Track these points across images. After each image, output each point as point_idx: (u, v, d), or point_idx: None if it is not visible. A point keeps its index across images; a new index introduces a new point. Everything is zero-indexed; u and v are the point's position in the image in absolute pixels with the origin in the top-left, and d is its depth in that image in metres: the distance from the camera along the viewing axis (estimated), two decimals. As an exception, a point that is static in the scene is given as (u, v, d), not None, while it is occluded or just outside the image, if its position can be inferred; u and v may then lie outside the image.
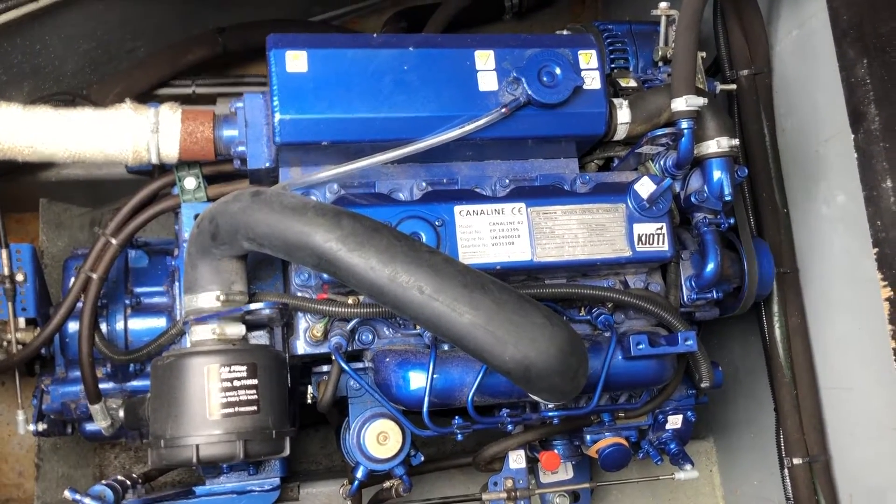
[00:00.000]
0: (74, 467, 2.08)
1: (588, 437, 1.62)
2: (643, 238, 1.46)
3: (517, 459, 1.63)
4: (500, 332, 1.17)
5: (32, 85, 1.93)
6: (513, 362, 1.18)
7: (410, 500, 1.74)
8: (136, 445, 2.14)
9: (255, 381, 1.30)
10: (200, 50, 2.13)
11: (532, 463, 1.68)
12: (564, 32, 1.77)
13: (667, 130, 1.46)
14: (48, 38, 1.83)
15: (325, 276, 1.37)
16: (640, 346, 1.40)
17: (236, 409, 1.28)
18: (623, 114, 1.51)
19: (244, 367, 1.29)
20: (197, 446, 1.25)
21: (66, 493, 1.45)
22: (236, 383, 1.28)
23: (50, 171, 2.02)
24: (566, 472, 1.84)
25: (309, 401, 1.57)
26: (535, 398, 1.30)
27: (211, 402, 1.27)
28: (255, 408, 1.29)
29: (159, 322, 1.71)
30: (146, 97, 2.07)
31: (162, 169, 1.64)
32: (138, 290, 1.73)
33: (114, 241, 1.56)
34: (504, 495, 1.59)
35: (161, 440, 1.27)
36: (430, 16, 2.26)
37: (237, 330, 1.36)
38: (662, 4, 1.69)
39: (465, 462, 1.68)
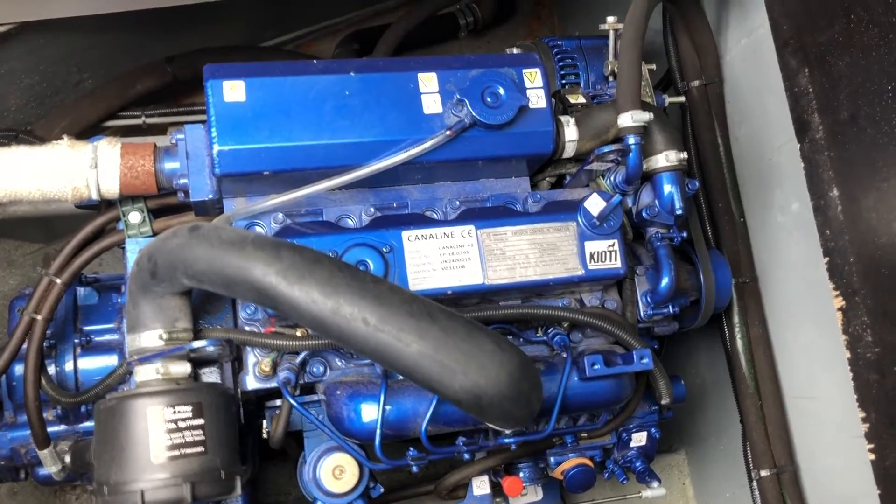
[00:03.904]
0: (33, 512, 2.02)
1: (552, 458, 1.59)
2: (595, 256, 1.45)
3: (481, 486, 1.60)
4: (448, 360, 1.14)
5: (-25, 122, 1.89)
6: (463, 391, 1.15)
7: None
8: (90, 489, 2.09)
9: (201, 421, 1.26)
10: (149, 80, 2.09)
11: (497, 487, 1.65)
12: (515, 50, 1.76)
13: (614, 147, 1.45)
14: (-12, 75, 1.80)
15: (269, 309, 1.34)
16: (596, 367, 1.38)
17: (182, 451, 1.23)
18: (570, 131, 1.49)
19: (189, 407, 1.25)
20: (142, 492, 1.20)
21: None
22: (181, 424, 1.24)
23: (-4, 210, 1.97)
24: (536, 493, 1.81)
25: (265, 436, 1.53)
26: (490, 426, 1.27)
27: (156, 444, 1.22)
28: (202, 448, 1.25)
29: (111, 360, 1.67)
30: (95, 130, 2.03)
31: (108, 203, 1.61)
32: (88, 328, 1.69)
33: (58, 281, 1.52)
34: (468, 523, 1.56)
35: (104, 486, 1.23)
36: (380, 36, 2.25)
37: (182, 369, 1.32)
38: (610, 19, 1.69)
39: (430, 490, 1.64)
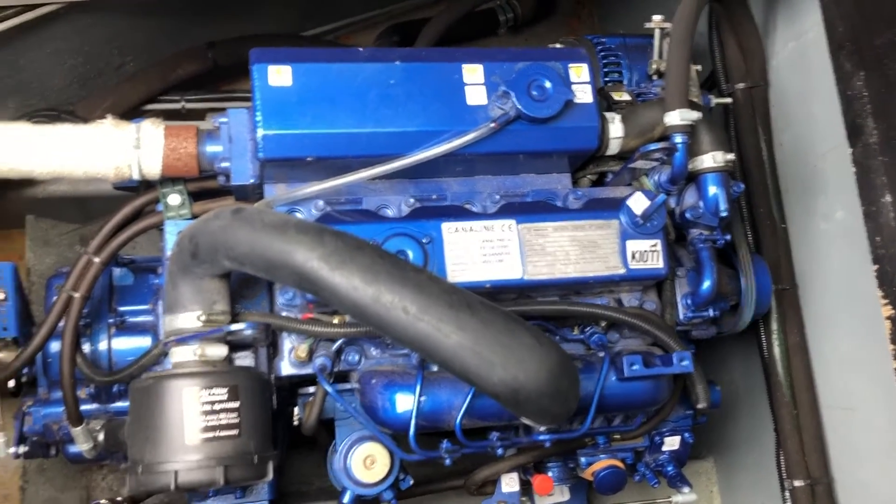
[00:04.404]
0: (61, 490, 2.03)
1: (583, 459, 1.57)
2: (637, 255, 1.43)
3: (510, 483, 1.58)
4: (487, 353, 1.13)
5: (18, 101, 1.90)
6: (501, 385, 1.14)
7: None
8: (123, 467, 2.10)
9: (236, 405, 1.26)
10: (190, 65, 2.10)
11: (526, 486, 1.63)
12: (557, 46, 1.74)
13: (660, 145, 1.43)
14: (33, 54, 1.81)
15: (309, 295, 1.33)
16: (634, 367, 1.36)
17: (216, 433, 1.23)
18: (615, 128, 1.47)
19: (225, 390, 1.25)
20: (175, 472, 1.21)
21: (47, 519, 1.41)
22: (217, 406, 1.24)
23: (36, 188, 1.99)
24: (562, 494, 1.79)
25: (296, 423, 1.52)
26: (526, 421, 1.26)
27: (190, 426, 1.23)
28: (236, 432, 1.25)
29: (144, 342, 1.67)
30: (135, 113, 2.04)
31: (147, 185, 1.62)
32: (123, 308, 1.69)
33: (96, 260, 1.52)
34: (496, 520, 1.55)
35: (139, 465, 1.23)
36: (421, 30, 2.24)
37: (219, 351, 1.32)
38: (656, 17, 1.66)
39: (458, 485, 1.63)
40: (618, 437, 1.56)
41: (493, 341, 1.14)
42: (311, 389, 1.48)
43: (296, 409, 1.52)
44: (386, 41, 2.27)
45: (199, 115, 2.16)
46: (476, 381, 1.15)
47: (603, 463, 1.57)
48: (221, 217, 1.25)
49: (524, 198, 1.49)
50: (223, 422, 1.24)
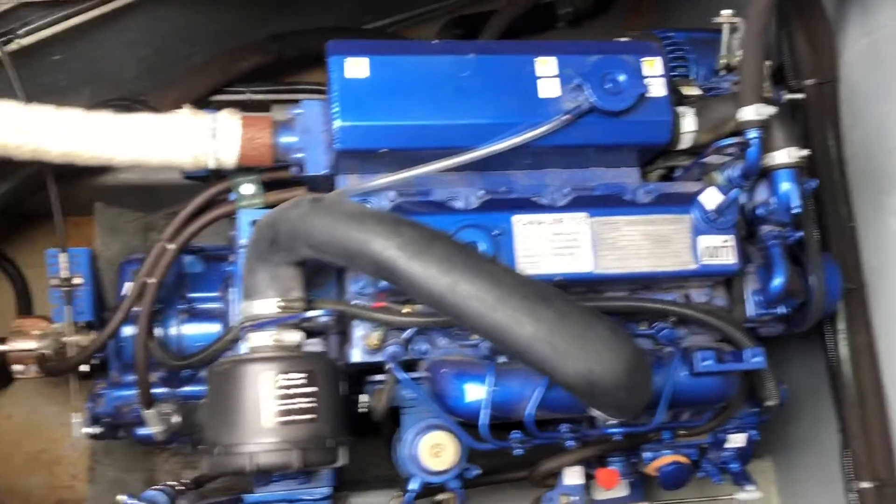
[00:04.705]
0: (126, 471, 2.09)
1: (647, 454, 1.57)
2: (709, 250, 1.42)
3: (573, 476, 1.58)
4: (563, 344, 1.14)
5: (92, 90, 1.95)
6: (577, 376, 1.15)
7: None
8: (187, 451, 2.15)
9: (313, 389, 1.28)
10: (255, 57, 2.13)
11: (587, 479, 1.63)
12: (624, 40, 1.73)
13: (735, 140, 1.41)
14: (109, 44, 1.85)
15: (382, 283, 1.35)
16: (707, 363, 1.36)
17: (293, 417, 1.26)
18: (688, 122, 1.47)
19: (302, 375, 1.28)
20: (252, 454, 1.23)
21: (121, 498, 1.45)
22: (294, 391, 1.27)
23: (107, 176, 2.04)
24: (621, 489, 1.79)
25: (362, 410, 1.54)
26: (597, 414, 1.26)
27: (267, 409, 1.25)
28: (312, 416, 1.27)
29: (213, 328, 1.71)
30: (201, 104, 2.07)
31: (218, 175, 1.65)
32: (192, 295, 1.74)
33: (170, 247, 1.56)
34: (559, 512, 1.55)
35: (216, 447, 1.26)
36: (484, 23, 2.24)
37: (295, 337, 1.35)
38: (725, 12, 1.65)
39: (520, 476, 1.64)
40: (683, 432, 1.56)
41: (568, 333, 1.15)
42: (379, 377, 1.50)
43: (362, 397, 1.54)
44: (448, 34, 2.27)
45: (263, 106, 2.18)
46: (551, 372, 1.16)
47: (667, 458, 1.56)
48: (301, 206, 1.27)
49: (593, 191, 1.49)
50: (299, 406, 1.27)
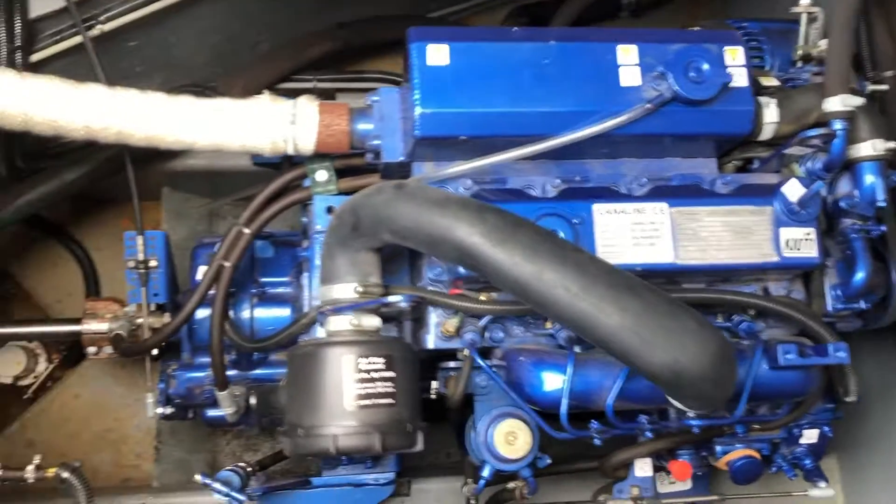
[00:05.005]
0: (190, 452, 2.12)
1: (718, 448, 1.55)
2: (790, 243, 1.40)
3: (643, 467, 1.58)
4: (649, 335, 1.13)
5: (164, 76, 1.98)
6: (662, 367, 1.14)
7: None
8: (252, 433, 2.18)
9: (392, 374, 1.29)
10: (322, 45, 2.14)
11: (658, 471, 1.63)
12: (698, 30, 1.71)
13: (820, 131, 1.39)
14: (183, 32, 1.88)
15: (461, 271, 1.35)
16: (789, 356, 1.34)
17: (374, 401, 1.27)
18: (770, 113, 1.44)
19: (382, 360, 1.28)
20: (335, 437, 1.25)
21: (197, 477, 1.47)
22: (374, 375, 1.28)
23: (175, 161, 2.07)
24: (685, 482, 1.77)
25: (432, 396, 1.55)
26: (678, 405, 1.25)
27: (349, 392, 1.26)
28: (391, 401, 1.28)
29: (283, 312, 1.74)
30: (269, 91, 2.09)
31: (290, 161, 1.66)
32: (264, 279, 1.76)
33: (246, 231, 1.58)
34: (630, 503, 1.54)
35: (299, 429, 1.27)
36: (547, 11, 2.23)
37: (373, 322, 1.36)
38: (804, 1, 1.62)
39: (589, 467, 1.64)
40: (757, 426, 1.54)
41: (655, 323, 1.14)
42: (452, 364, 1.50)
43: (433, 384, 1.54)
44: (513, 23, 2.26)
45: (328, 95, 2.20)
46: (636, 362, 1.15)
47: (739, 452, 1.55)
48: (384, 192, 1.28)
49: (669, 181, 1.48)
50: (380, 390, 1.27)
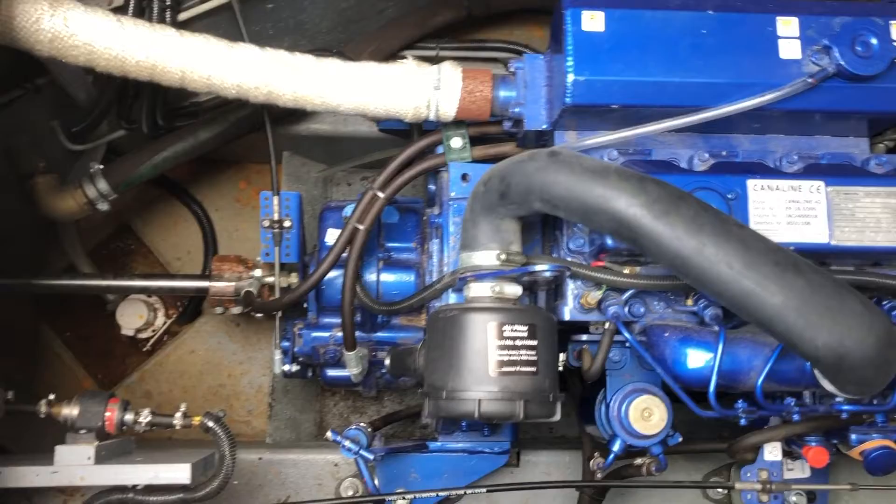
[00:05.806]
0: (300, 411, 2.17)
1: (854, 436, 1.51)
2: (953, 228, 1.34)
3: (773, 451, 1.54)
4: (813, 316, 1.10)
5: (291, 41, 2.00)
6: (825, 349, 1.10)
7: (647, 481, 1.68)
8: (369, 394, 2.21)
9: (535, 342, 1.28)
10: (447, 13, 2.13)
11: (787, 456, 1.59)
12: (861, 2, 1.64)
13: None
14: (316, -5, 1.90)
15: (607, 242, 1.33)
16: (951, 344, 1.28)
17: (516, 368, 1.27)
18: (935, 91, 1.38)
19: (525, 328, 1.28)
20: (479, 401, 1.25)
21: (328, 435, 1.51)
22: (518, 342, 1.28)
23: (300, 125, 2.10)
24: (802, 470, 1.73)
25: (560, 368, 1.54)
26: (830, 389, 1.22)
27: (493, 358, 1.26)
28: (533, 369, 1.28)
29: (408, 277, 1.75)
30: (393, 58, 2.09)
31: (419, 130, 1.67)
32: (389, 244, 1.78)
33: (381, 195, 1.59)
34: (759, 486, 1.51)
35: (442, 391, 1.28)
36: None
37: (515, 290, 1.35)
38: (969, -26, 1.54)
39: (718, 448, 1.61)
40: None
41: (820, 304, 1.11)
42: (584, 337, 1.49)
43: (561, 356, 1.53)
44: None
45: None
46: (798, 343, 1.12)
47: (876, 443, 1.50)
48: (538, 159, 1.26)
49: (819, 160, 1.43)
50: (523, 358, 1.27)
